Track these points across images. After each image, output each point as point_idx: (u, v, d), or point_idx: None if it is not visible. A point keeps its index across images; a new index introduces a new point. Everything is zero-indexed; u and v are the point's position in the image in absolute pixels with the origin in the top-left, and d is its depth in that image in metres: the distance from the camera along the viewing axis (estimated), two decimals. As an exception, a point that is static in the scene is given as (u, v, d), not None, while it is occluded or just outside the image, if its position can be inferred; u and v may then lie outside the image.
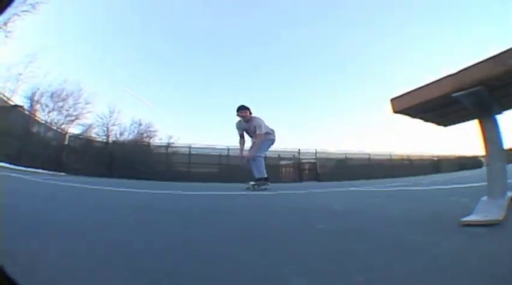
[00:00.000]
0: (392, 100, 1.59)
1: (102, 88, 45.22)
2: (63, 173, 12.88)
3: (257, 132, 5.78)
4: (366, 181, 10.75)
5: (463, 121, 1.91)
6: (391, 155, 27.35)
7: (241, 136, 6.23)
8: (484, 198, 1.46)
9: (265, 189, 5.35)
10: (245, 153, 6.01)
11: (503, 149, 1.50)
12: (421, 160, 29.50)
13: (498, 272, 0.70)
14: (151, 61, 48.09)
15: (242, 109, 5.92)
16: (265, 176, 5.69)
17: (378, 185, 6.43)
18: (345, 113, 57.55)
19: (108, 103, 29.60)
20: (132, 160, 17.25)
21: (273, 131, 6.12)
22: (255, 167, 5.67)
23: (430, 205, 2.43)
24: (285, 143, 28.57)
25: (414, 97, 1.48)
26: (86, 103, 24.24)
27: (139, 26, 46.28)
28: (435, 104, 1.51)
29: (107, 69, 44.11)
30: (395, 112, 1.60)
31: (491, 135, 1.49)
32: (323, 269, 0.79)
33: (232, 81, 50.13)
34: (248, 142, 6.25)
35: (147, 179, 12.02)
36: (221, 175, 16.58)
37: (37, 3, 17.24)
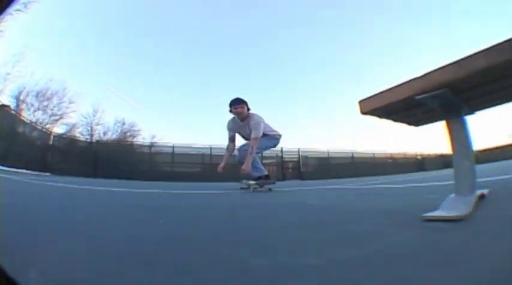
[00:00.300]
0: (360, 102, 1.65)
1: (86, 87, 44.81)
2: (47, 174, 12.72)
3: (252, 135, 4.43)
4: (348, 180, 10.89)
5: (433, 121, 1.97)
6: (374, 154, 27.66)
7: (232, 139, 4.96)
8: (452, 195, 1.52)
9: (270, 189, 4.45)
10: (244, 166, 4.34)
11: (471, 148, 1.56)
12: (405, 158, 29.89)
13: (451, 264, 0.73)
14: (136, 61, 47.61)
15: (237, 104, 4.58)
16: (266, 173, 4.60)
17: (359, 183, 6.52)
18: (328, 112, 58.15)
19: (92, 103, 29.34)
20: (116, 159, 17.13)
21: (278, 135, 4.92)
22: (252, 166, 4.44)
23: (400, 201, 2.51)
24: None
25: (381, 99, 1.53)
26: (70, 103, 24.17)
27: (126, 26, 45.64)
28: (402, 106, 1.57)
29: (91, 68, 43.66)
30: (363, 113, 1.65)
31: (458, 135, 1.55)
32: (282, 253, 0.88)
33: (217, 81, 50.07)
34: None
35: (131, 178, 11.93)
36: (205, 175, 16.51)
37: (29, 2, 17.07)
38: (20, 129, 15.13)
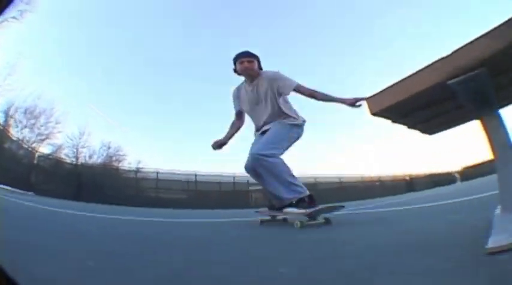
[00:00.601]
0: (368, 99, 1.29)
1: (72, 107, 44.48)
2: (31, 193, 12.23)
3: (287, 89, 2.92)
4: (347, 203, 10.58)
5: (457, 124, 1.59)
6: (362, 178, 27.45)
7: (239, 115, 3.37)
8: (497, 211, 1.14)
9: (327, 220, 2.58)
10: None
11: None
12: (394, 180, 29.74)
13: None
14: (123, 84, 47.36)
15: (245, 56, 3.03)
16: (308, 193, 2.70)
17: (361, 206, 6.24)
18: (314, 135, 58.06)
19: (78, 125, 28.92)
20: (100, 184, 16.86)
21: (303, 120, 3.13)
22: (278, 181, 2.71)
23: (426, 227, 2.02)
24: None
25: (397, 93, 1.17)
26: (57, 123, 23.66)
27: (110, 46, 45.73)
28: (423, 101, 1.21)
29: (79, 89, 43.41)
30: (373, 114, 1.27)
31: (497, 135, 1.20)
32: None
33: (204, 103, 49.86)
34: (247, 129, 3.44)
35: (115, 203, 11.50)
36: (191, 202, 16.26)
37: (25, 10, 16.96)
38: (7, 145, 14.89)
